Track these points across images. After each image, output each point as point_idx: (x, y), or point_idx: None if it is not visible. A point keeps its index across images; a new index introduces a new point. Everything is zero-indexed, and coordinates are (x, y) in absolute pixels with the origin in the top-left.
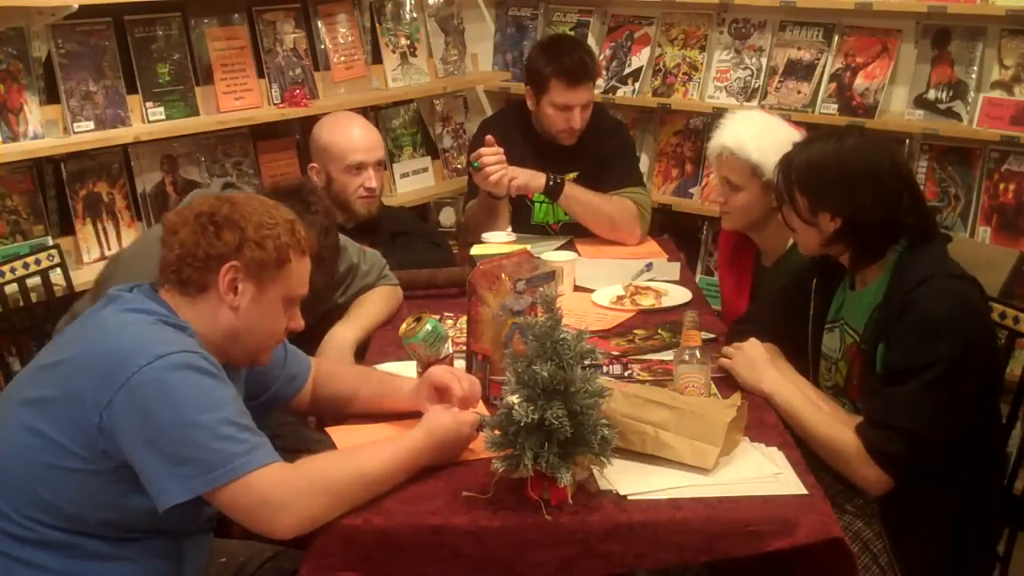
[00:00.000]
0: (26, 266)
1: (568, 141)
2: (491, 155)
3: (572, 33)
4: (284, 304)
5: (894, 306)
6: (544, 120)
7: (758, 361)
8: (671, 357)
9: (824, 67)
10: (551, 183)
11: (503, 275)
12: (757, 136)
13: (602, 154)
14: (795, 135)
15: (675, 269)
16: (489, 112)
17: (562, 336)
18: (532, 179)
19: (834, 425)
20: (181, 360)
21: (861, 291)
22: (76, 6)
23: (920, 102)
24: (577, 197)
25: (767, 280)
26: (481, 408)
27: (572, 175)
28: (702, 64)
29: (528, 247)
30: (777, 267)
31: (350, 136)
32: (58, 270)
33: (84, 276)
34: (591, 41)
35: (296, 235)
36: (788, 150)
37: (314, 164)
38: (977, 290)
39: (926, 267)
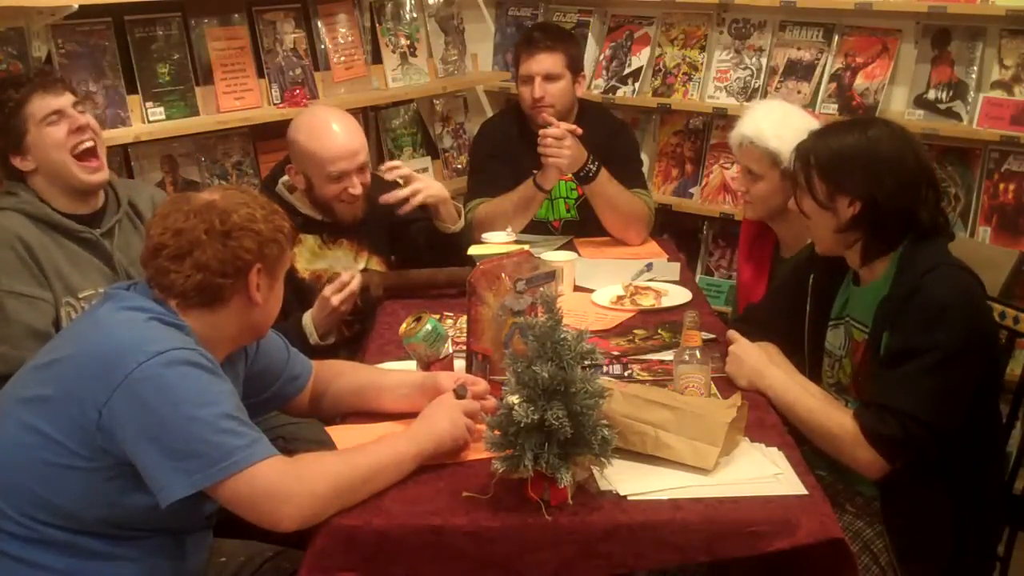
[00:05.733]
0: None
1: (539, 122)
2: (557, 133)
3: (572, 33)
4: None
5: (901, 294)
6: (523, 105)
7: (748, 359)
8: (671, 357)
9: (824, 67)
10: (590, 164)
11: (503, 275)
12: (776, 125)
13: (606, 154)
14: (814, 124)
15: (675, 269)
16: (489, 112)
17: (562, 336)
18: (575, 159)
19: (830, 410)
20: (179, 356)
21: (867, 286)
22: (76, 6)
23: (920, 102)
24: (607, 188)
25: (785, 272)
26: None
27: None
28: (702, 64)
29: (528, 247)
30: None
31: (330, 144)
32: None
33: None
34: (591, 41)
35: (278, 211)
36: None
37: (292, 166)
38: (979, 284)
39: (933, 257)
